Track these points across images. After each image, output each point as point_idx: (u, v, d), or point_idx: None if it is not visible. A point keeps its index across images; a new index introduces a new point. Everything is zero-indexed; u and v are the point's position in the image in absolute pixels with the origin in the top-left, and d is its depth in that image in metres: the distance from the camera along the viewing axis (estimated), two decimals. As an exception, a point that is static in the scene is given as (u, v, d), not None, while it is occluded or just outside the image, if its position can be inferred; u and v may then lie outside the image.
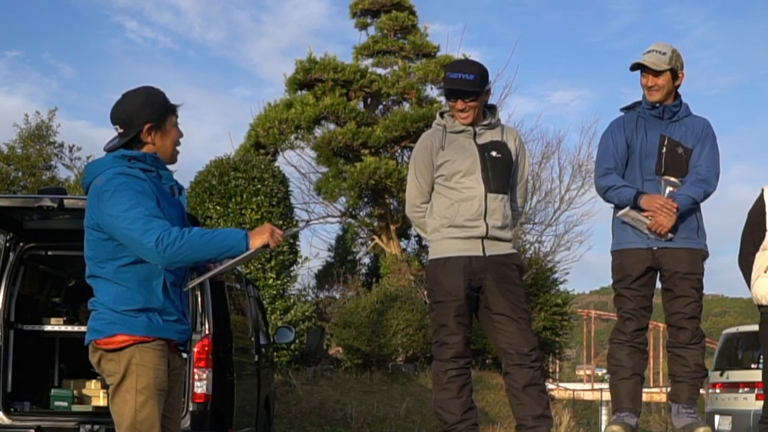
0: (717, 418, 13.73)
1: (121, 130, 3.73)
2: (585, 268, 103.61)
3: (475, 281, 4.77)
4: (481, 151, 4.80)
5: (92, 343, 3.73)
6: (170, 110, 3.79)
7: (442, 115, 4.96)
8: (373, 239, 21.85)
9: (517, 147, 4.95)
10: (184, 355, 4.07)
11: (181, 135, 3.85)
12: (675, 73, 5.04)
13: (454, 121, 4.87)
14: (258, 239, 3.60)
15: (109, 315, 3.67)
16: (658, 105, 5.06)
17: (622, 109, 5.27)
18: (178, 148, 3.86)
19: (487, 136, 4.86)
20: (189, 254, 3.54)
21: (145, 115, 3.70)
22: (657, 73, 4.99)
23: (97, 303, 3.72)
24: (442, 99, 22.25)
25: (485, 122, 4.87)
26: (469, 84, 4.71)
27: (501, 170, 4.82)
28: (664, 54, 5.01)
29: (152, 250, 3.52)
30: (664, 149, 5.03)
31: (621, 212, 5.00)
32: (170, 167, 3.88)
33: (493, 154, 4.81)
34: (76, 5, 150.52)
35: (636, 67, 5.05)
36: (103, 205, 3.62)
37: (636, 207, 4.96)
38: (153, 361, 3.66)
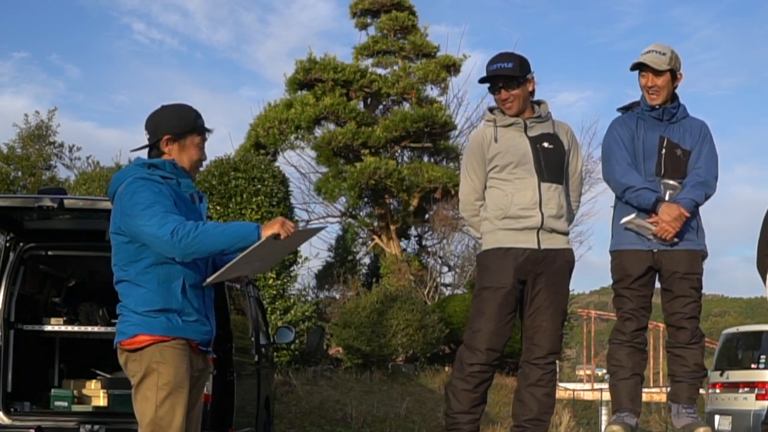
0: (717, 418, 13.73)
1: (148, 137, 3.91)
2: (585, 268, 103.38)
3: (523, 274, 4.71)
4: (532, 143, 4.76)
5: (118, 346, 3.84)
6: (196, 130, 3.92)
7: (492, 110, 4.92)
8: (373, 239, 21.86)
9: (570, 140, 4.91)
10: (210, 362, 4.13)
11: (201, 157, 3.97)
12: (674, 74, 5.03)
13: (504, 114, 4.84)
14: (269, 229, 3.67)
15: (131, 317, 3.79)
16: (657, 106, 5.05)
17: (619, 110, 5.25)
18: (198, 166, 3.99)
19: (538, 129, 4.82)
20: (203, 245, 3.63)
21: (168, 126, 3.88)
22: (657, 73, 4.98)
23: (122, 306, 3.84)
24: (443, 99, 22.31)
25: (535, 115, 4.83)
26: (508, 71, 4.71)
27: (553, 161, 4.78)
28: (663, 54, 4.99)
29: (168, 242, 3.62)
30: (664, 151, 5.02)
31: (626, 219, 4.96)
32: None
33: (545, 145, 4.77)
34: (83, 7, 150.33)
35: (637, 66, 5.04)
36: (124, 207, 3.75)
37: (645, 211, 4.94)
38: (173, 359, 3.75)
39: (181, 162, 3.90)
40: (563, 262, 4.80)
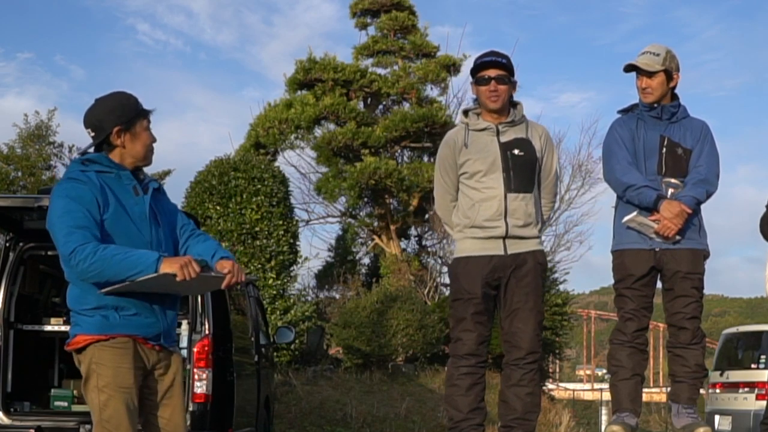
0: (717, 418, 13.74)
1: (93, 134, 3.77)
2: (585, 268, 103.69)
3: (494, 279, 4.76)
4: (503, 150, 4.75)
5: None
6: (141, 114, 3.79)
7: (466, 113, 4.92)
8: (373, 239, 21.85)
9: (543, 144, 4.89)
10: (181, 352, 3.99)
11: (153, 140, 3.84)
12: (669, 75, 5.01)
13: (478, 118, 4.85)
14: (168, 267, 3.53)
15: (73, 317, 3.72)
16: (656, 105, 5.05)
17: (619, 112, 5.25)
18: (152, 150, 3.85)
19: (511, 134, 4.81)
20: (100, 272, 3.53)
21: (115, 117, 3.73)
22: (650, 75, 4.98)
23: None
24: (443, 99, 22.22)
25: (508, 120, 4.82)
26: (503, 65, 4.75)
27: (523, 168, 4.77)
28: (657, 55, 4.99)
29: (67, 263, 3.57)
30: (664, 150, 5.01)
31: (627, 218, 4.96)
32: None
33: (516, 152, 4.76)
34: (88, 8, 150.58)
35: (629, 68, 5.04)
36: (48, 209, 3.70)
37: (646, 209, 4.93)
38: (111, 360, 3.64)
39: (136, 149, 3.77)
40: (534, 263, 4.82)
